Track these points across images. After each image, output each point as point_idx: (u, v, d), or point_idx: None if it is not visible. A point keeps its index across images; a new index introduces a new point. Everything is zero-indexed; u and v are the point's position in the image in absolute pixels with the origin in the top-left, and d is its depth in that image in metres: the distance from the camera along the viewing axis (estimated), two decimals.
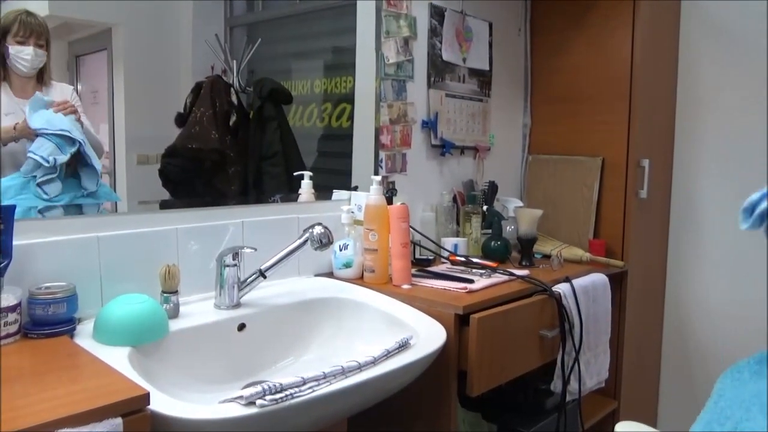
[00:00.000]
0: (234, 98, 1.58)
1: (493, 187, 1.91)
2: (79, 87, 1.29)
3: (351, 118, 1.71)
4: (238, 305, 1.21)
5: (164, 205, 1.41)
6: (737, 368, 0.56)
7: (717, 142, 2.02)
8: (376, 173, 1.65)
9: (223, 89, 1.56)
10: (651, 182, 1.94)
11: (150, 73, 1.43)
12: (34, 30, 1.16)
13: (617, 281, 1.86)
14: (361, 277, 1.45)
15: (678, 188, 2.12)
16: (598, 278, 1.58)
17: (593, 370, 1.55)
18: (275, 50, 1.75)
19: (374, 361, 1.00)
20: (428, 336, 1.15)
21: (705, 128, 2.05)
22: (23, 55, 1.16)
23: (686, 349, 2.13)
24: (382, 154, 1.68)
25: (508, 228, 1.79)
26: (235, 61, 1.57)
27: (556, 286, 1.43)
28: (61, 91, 1.24)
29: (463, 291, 1.33)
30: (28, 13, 1.16)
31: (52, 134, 1.17)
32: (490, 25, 1.99)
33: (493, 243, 1.67)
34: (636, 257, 1.93)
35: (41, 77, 1.20)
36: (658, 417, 2.19)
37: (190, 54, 1.52)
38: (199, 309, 1.19)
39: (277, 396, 0.83)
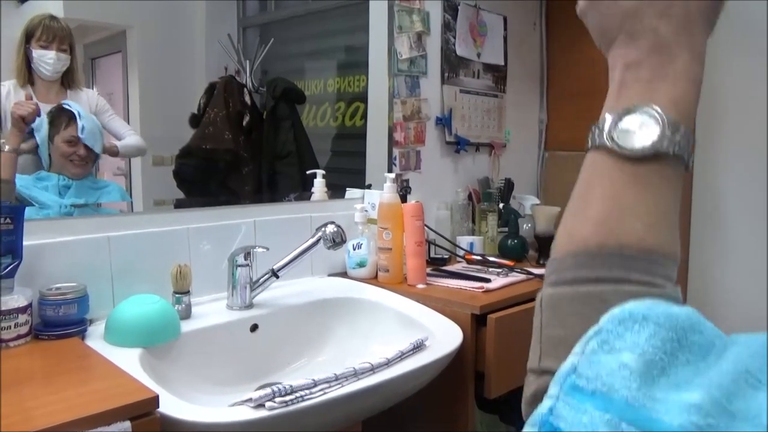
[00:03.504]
0: (247, 98, 1.58)
1: (509, 185, 1.87)
2: (95, 89, 1.30)
3: (364, 117, 1.70)
4: (250, 306, 1.20)
5: (178, 206, 1.41)
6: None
7: (739, 137, 1.96)
8: (390, 171, 1.63)
9: (237, 90, 1.55)
10: None
11: (164, 75, 1.43)
12: (57, 34, 1.17)
13: None
14: (376, 276, 1.43)
15: (699, 185, 2.06)
16: None
17: None
18: (288, 50, 1.74)
19: (388, 363, 0.98)
20: (444, 337, 1.13)
21: (726, 123, 2.00)
22: (46, 59, 1.17)
23: None
24: (396, 152, 1.66)
25: (524, 226, 1.75)
26: (248, 62, 1.56)
27: None
28: (87, 97, 1.25)
29: (480, 290, 1.30)
30: (52, 18, 1.17)
31: None
32: (505, 20, 1.96)
33: (509, 241, 1.64)
34: None
35: (65, 82, 1.22)
36: None
37: (204, 55, 1.52)
38: (211, 309, 1.18)
39: (287, 398, 0.81)
